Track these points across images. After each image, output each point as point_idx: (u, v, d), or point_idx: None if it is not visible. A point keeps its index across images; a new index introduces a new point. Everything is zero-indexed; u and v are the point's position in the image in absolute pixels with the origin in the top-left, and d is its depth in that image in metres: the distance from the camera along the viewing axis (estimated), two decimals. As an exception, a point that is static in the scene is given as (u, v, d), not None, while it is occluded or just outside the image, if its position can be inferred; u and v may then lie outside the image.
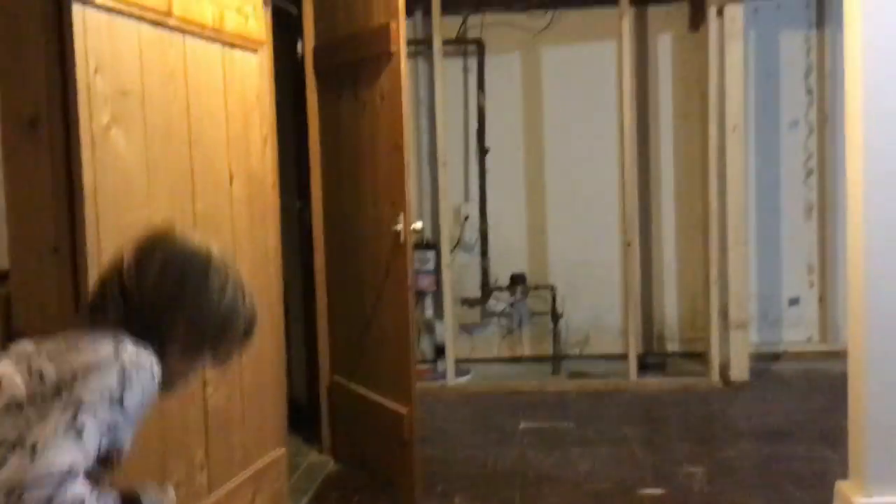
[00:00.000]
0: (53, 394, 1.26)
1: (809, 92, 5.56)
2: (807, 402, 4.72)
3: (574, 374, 5.37)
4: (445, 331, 5.30)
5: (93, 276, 1.94)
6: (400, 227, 3.46)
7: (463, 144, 5.69)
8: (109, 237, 2.00)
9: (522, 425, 4.51)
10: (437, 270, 5.39)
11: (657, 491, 3.56)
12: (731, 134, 4.99)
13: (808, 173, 5.60)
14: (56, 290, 1.94)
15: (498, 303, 5.71)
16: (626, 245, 5.16)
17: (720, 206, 5.06)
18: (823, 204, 5.56)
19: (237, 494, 2.56)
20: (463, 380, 5.33)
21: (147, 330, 1.37)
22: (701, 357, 5.37)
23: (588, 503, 3.46)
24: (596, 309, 5.64)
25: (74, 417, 1.22)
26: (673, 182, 5.63)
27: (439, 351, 5.48)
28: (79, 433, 1.21)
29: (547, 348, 5.59)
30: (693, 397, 4.91)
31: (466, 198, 5.71)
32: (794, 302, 5.66)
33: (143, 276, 1.39)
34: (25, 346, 1.38)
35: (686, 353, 5.60)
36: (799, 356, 5.52)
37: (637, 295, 5.31)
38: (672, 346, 5.67)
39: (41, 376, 1.29)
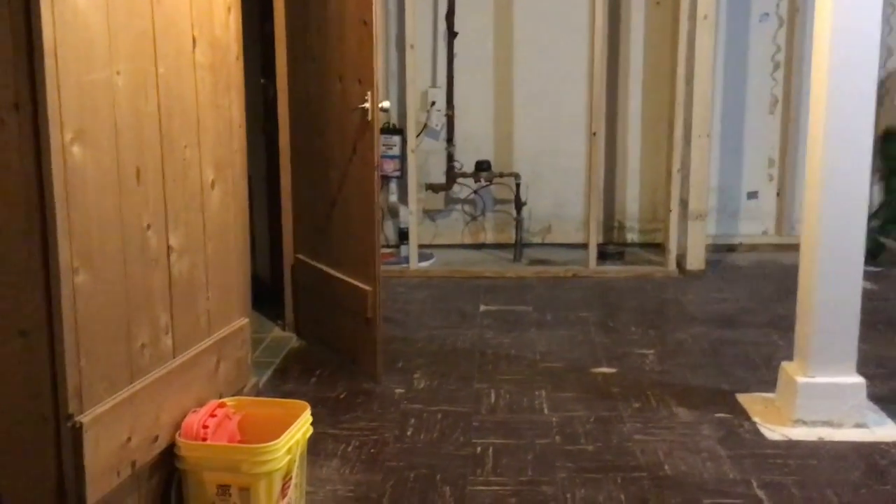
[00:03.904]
0: None
1: (782, -16, 5.52)
2: (759, 292, 4.87)
3: (535, 262, 5.46)
4: (409, 215, 5.33)
5: (54, 134, 1.91)
6: (367, 104, 3.44)
7: (431, 28, 5.59)
8: (71, 96, 1.96)
9: (482, 308, 4.61)
10: (403, 155, 5.39)
11: (609, 370, 3.69)
12: (702, 23, 4.96)
13: (775, 67, 5.62)
14: (17, 148, 1.91)
15: (462, 189, 5.74)
16: (592, 135, 5.18)
17: (686, 97, 5.07)
18: (788, 98, 5.60)
19: (201, 359, 2.60)
20: (425, 264, 5.39)
21: None
22: (659, 247, 5.48)
23: (542, 380, 3.58)
24: (559, 198, 5.70)
25: None
26: (641, 72, 5.61)
27: (402, 236, 5.53)
28: None
29: (509, 236, 5.66)
30: (649, 285, 5.04)
31: (434, 83, 5.65)
32: (752, 195, 5.76)
33: None
34: None
35: (645, 244, 5.72)
36: (754, 248, 5.66)
37: (600, 185, 5.37)
38: (632, 237, 5.78)
39: None
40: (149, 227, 2.30)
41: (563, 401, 3.36)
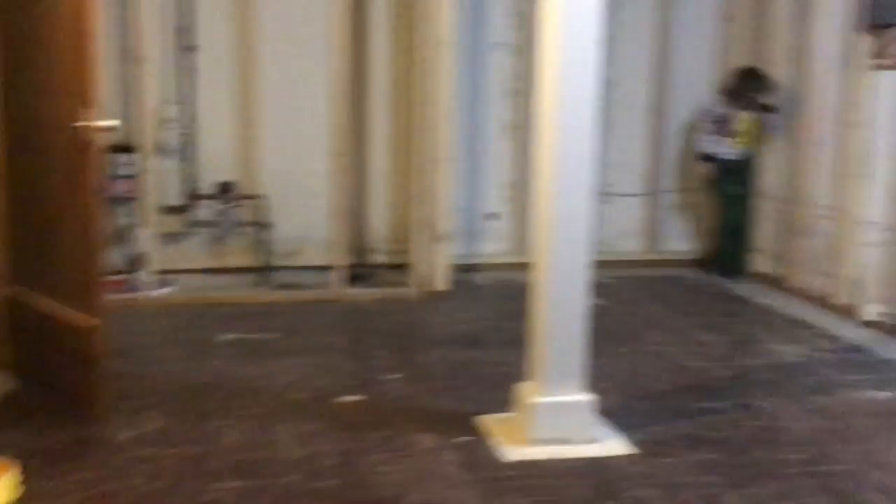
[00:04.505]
0: None
1: (519, 14, 5.76)
2: (500, 311, 5.03)
3: (283, 286, 5.31)
4: (145, 240, 5.00)
5: None
6: (85, 123, 3.16)
7: (167, 41, 5.30)
8: None
9: (225, 337, 4.40)
10: (137, 175, 5.05)
11: (355, 398, 3.63)
12: (440, 48, 5.06)
13: (512, 93, 5.87)
14: None
15: (204, 211, 5.47)
16: (337, 157, 5.13)
17: (427, 120, 5.16)
18: (524, 123, 5.86)
19: None
20: (164, 291, 5.09)
21: None
22: (407, 269, 5.52)
23: (286, 412, 3.45)
24: (307, 220, 5.59)
25: None
26: (386, 96, 5.64)
27: (138, 261, 5.17)
28: None
29: (256, 259, 5.47)
30: (397, 307, 5.06)
31: (171, 99, 5.35)
32: (491, 216, 5.97)
33: None
34: None
35: (393, 265, 5.74)
36: (495, 267, 5.86)
37: (346, 207, 5.33)
38: (380, 258, 5.78)
39: None
40: None
41: (307, 435, 3.25)
